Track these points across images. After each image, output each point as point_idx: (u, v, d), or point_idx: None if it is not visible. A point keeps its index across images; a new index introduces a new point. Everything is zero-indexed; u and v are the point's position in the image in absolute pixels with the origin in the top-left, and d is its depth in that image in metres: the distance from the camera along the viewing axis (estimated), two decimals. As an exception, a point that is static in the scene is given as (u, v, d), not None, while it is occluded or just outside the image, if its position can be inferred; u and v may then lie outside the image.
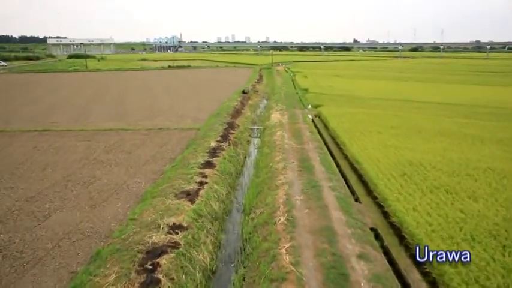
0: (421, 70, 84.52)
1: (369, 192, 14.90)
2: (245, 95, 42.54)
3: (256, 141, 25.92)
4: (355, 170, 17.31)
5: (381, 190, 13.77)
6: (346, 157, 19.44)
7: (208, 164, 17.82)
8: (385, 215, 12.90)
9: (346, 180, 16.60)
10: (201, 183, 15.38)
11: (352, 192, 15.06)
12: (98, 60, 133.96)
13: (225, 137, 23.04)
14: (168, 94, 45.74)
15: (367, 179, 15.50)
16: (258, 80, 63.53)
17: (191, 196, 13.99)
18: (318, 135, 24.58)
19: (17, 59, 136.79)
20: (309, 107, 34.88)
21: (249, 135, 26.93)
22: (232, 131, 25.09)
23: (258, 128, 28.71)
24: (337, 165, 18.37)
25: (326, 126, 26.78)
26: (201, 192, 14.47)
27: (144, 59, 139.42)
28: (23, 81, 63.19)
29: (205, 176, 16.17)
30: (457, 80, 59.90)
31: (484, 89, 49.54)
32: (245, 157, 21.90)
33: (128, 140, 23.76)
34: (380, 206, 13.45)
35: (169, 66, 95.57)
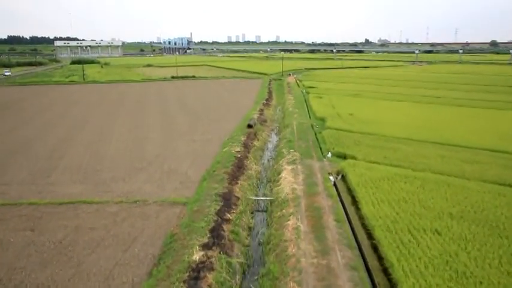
0: (449, 84, 75.52)
1: None
2: (250, 129, 35.87)
3: (261, 229, 18.98)
4: None
5: None
6: (396, 291, 12.60)
7: (181, 321, 11.21)
8: None
9: None
10: None
11: None
12: (102, 67, 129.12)
13: (216, 233, 16.39)
14: (160, 126, 39.20)
15: None
16: (267, 99, 56.76)
17: None
18: (346, 225, 17.69)
19: (18, 65, 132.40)
20: (329, 155, 27.97)
21: (252, 213, 20.22)
22: (228, 214, 18.45)
23: (264, 200, 21.98)
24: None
25: (354, 200, 19.91)
26: None
27: (149, 65, 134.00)
28: (1, 102, 56.66)
29: None
30: (502, 104, 50.47)
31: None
32: (244, 272, 15.14)
33: (85, 229, 17.34)
34: None
35: (173, 77, 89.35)
